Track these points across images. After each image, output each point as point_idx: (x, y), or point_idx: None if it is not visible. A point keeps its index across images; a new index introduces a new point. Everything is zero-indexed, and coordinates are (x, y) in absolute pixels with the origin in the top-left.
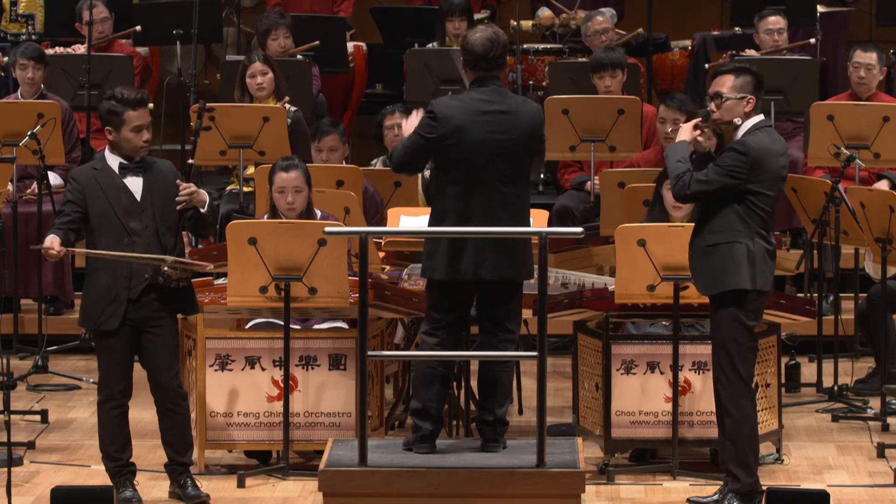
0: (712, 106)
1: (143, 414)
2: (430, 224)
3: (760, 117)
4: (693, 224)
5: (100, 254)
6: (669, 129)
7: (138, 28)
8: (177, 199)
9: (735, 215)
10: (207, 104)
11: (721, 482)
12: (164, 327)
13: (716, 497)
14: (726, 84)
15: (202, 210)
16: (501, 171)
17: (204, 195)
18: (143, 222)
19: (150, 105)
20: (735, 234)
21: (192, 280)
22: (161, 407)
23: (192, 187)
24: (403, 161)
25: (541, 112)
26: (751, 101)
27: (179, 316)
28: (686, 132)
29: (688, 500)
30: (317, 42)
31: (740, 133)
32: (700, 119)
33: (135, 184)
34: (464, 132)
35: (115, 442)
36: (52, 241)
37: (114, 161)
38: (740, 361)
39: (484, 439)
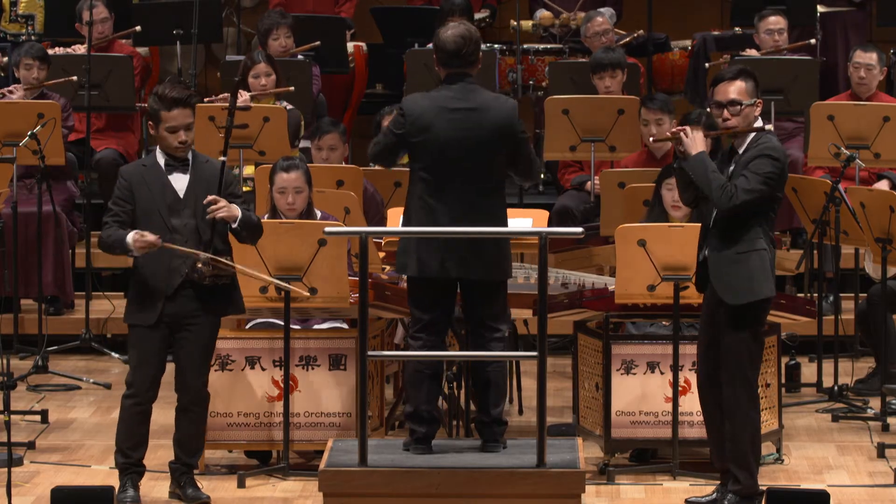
0: (726, 113)
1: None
2: (402, 220)
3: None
4: (694, 225)
5: (190, 252)
6: (654, 131)
7: (138, 28)
8: (206, 216)
9: (756, 222)
10: (239, 104)
11: (719, 481)
12: (199, 326)
13: (713, 497)
14: (740, 90)
15: (233, 225)
16: (470, 170)
17: (234, 210)
18: (182, 219)
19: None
20: (759, 242)
21: (230, 281)
22: (181, 405)
23: (220, 203)
24: (378, 155)
25: (514, 109)
26: (759, 104)
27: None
28: (700, 142)
29: (686, 500)
30: (317, 42)
31: (750, 137)
32: (703, 127)
33: (180, 181)
34: (431, 130)
35: (130, 439)
36: (144, 233)
37: (161, 158)
38: (750, 366)
39: (483, 439)
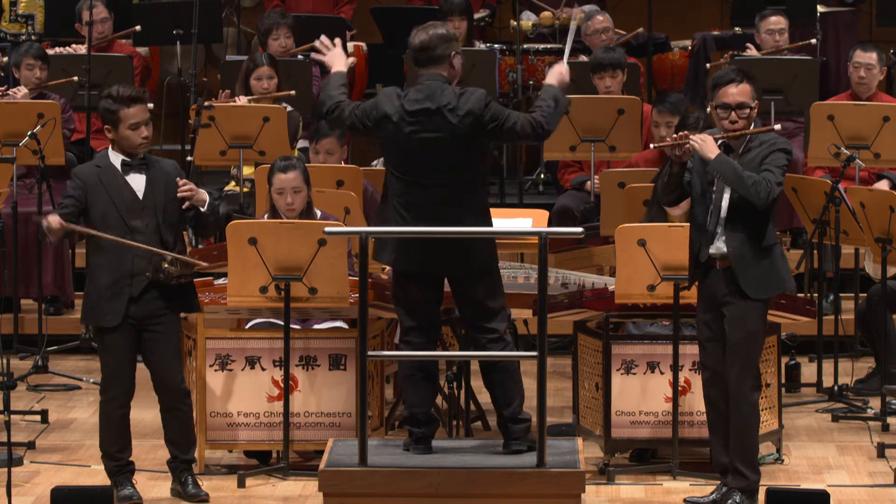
0: (734, 115)
1: (143, 413)
2: (379, 219)
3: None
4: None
5: (103, 236)
6: (664, 133)
7: (138, 28)
8: (178, 195)
9: (770, 216)
10: (208, 102)
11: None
12: (166, 325)
13: (713, 497)
14: (746, 92)
15: (202, 209)
16: (440, 168)
17: (203, 194)
18: (143, 220)
19: (150, 104)
20: (774, 236)
21: (194, 280)
22: (165, 404)
23: (191, 185)
24: (334, 118)
25: (480, 101)
26: (758, 103)
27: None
28: (713, 145)
29: (685, 500)
30: (317, 42)
31: (749, 136)
32: (716, 134)
33: (137, 181)
34: (396, 133)
35: (115, 442)
36: (53, 217)
37: (116, 159)
38: (758, 358)
39: (504, 439)
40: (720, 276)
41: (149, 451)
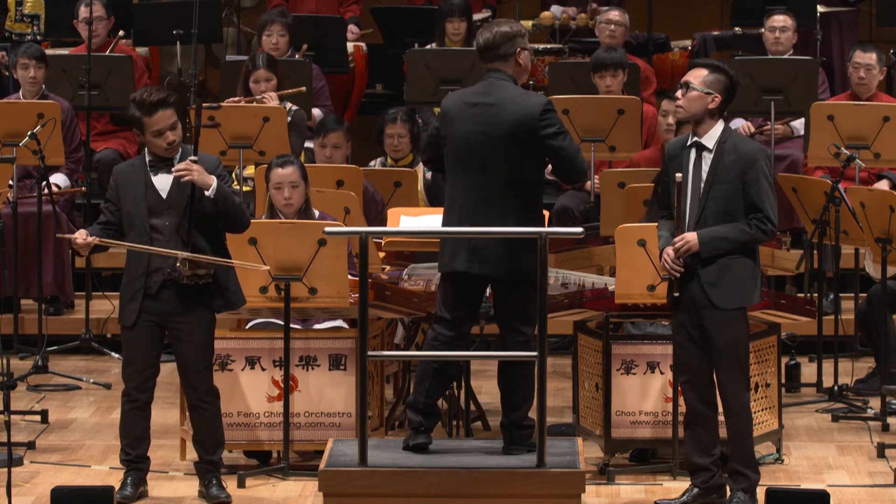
0: (678, 94)
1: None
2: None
3: (721, 123)
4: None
5: (122, 244)
6: (672, 121)
7: (121, 33)
8: (172, 174)
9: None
10: (210, 103)
11: (689, 482)
12: (188, 323)
13: (684, 498)
14: (699, 76)
15: (207, 193)
16: (483, 164)
17: (208, 178)
18: (164, 219)
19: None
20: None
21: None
22: (189, 402)
23: (188, 165)
24: (424, 154)
25: (539, 107)
26: (716, 99)
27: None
28: (693, 238)
29: (655, 502)
30: (303, 88)
31: (716, 135)
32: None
33: (163, 181)
34: (453, 124)
35: (126, 436)
36: (80, 232)
37: (148, 157)
38: (746, 360)
39: (503, 441)
40: (698, 281)
41: (150, 451)
